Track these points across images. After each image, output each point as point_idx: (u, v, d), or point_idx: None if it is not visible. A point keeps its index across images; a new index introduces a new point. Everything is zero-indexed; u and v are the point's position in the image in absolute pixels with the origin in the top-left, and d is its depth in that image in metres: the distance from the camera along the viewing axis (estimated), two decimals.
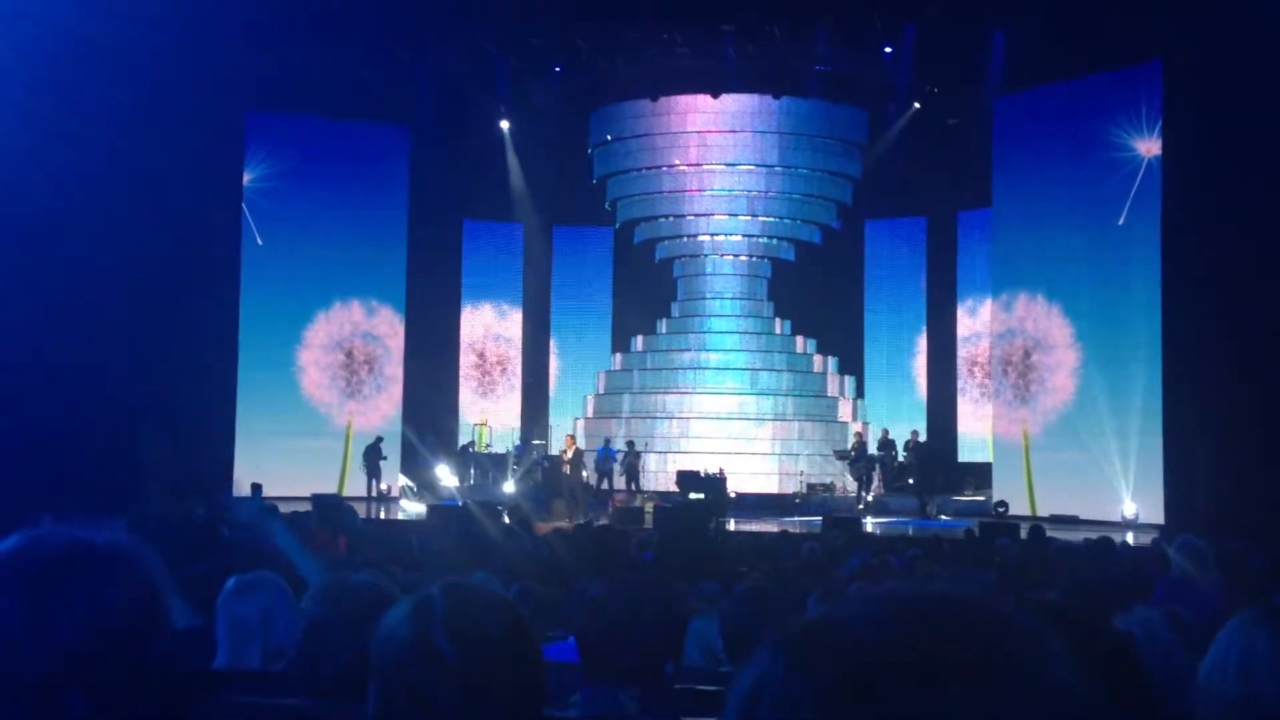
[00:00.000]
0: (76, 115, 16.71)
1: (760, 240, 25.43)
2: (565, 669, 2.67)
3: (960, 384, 25.33)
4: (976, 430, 24.65)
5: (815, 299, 25.47)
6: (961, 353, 25.43)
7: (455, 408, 26.12)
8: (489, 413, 26.93)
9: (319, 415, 24.30)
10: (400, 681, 1.66)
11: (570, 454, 20.94)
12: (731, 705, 0.79)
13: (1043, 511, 20.19)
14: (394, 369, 24.86)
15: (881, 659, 0.75)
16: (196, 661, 3.21)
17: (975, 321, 25.05)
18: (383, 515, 20.35)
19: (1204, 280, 17.01)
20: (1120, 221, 19.53)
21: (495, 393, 27.68)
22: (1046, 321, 21.61)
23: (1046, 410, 21.56)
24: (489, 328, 27.86)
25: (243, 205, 22.32)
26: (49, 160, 16.60)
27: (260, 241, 23.17)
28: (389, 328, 24.81)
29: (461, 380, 27.26)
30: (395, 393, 24.77)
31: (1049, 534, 11.74)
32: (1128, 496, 19.30)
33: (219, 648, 3.25)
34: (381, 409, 24.61)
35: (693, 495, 17.98)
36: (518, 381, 27.84)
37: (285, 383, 23.89)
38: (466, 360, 27.58)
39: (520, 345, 27.76)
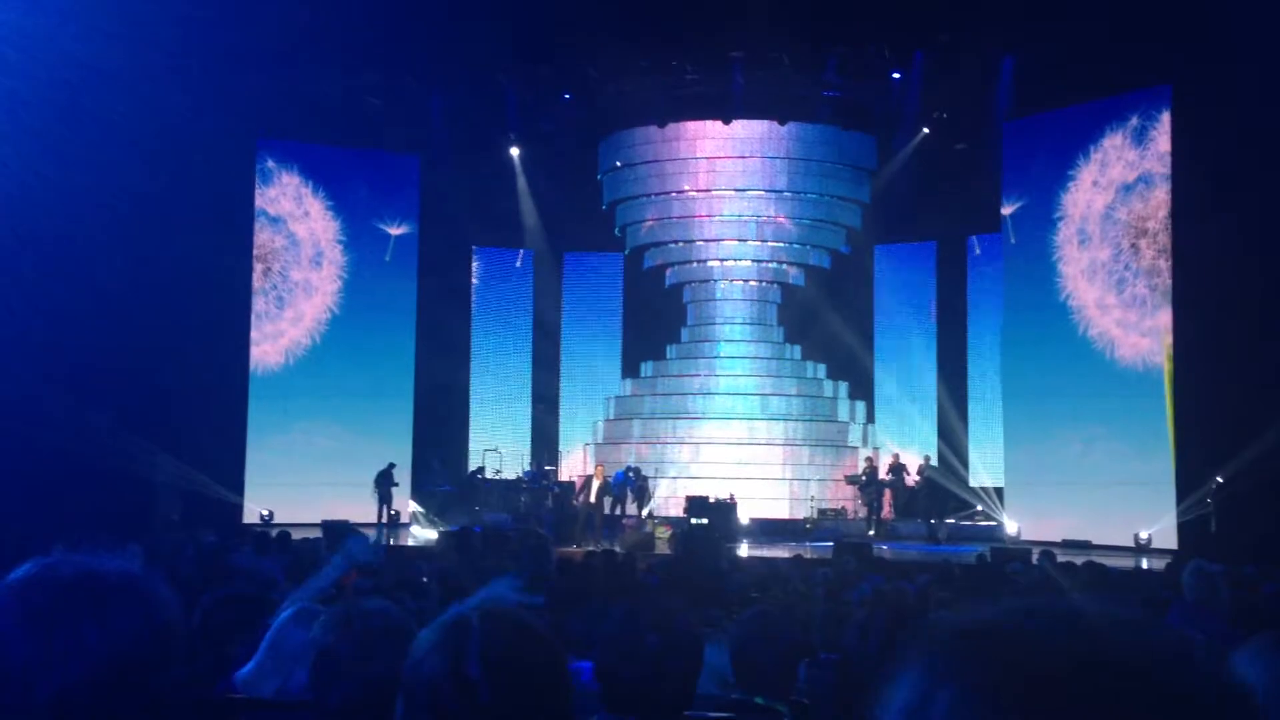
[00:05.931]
0: (91, 142, 16.85)
1: (770, 265, 25.44)
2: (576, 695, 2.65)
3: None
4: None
5: (825, 324, 25.43)
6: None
7: (465, 423, 25.75)
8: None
9: None
10: (430, 709, 1.65)
11: (599, 482, 20.72)
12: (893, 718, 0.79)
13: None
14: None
15: (1064, 677, 0.75)
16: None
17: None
18: (393, 541, 20.26)
19: (1215, 304, 16.96)
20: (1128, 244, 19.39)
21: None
22: None
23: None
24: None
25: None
26: (65, 187, 16.73)
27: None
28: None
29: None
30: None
31: (1060, 559, 11.67)
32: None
33: (252, 669, 3.23)
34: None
35: (694, 520, 17.92)
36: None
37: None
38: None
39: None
